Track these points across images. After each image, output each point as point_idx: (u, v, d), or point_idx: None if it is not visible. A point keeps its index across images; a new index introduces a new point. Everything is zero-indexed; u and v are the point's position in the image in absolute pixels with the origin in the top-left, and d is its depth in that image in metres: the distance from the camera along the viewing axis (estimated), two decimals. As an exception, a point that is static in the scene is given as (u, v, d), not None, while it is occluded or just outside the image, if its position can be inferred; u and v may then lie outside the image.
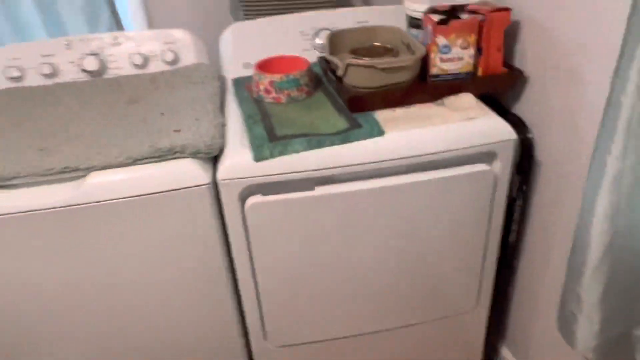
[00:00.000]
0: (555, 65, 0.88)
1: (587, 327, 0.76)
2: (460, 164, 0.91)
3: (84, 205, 0.79)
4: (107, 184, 0.80)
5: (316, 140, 0.85)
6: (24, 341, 0.94)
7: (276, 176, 0.84)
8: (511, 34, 0.99)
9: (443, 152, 0.87)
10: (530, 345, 1.15)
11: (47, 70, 1.12)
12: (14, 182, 0.80)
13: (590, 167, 0.69)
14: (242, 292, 0.98)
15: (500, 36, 0.94)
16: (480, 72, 0.97)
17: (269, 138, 0.87)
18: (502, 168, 0.92)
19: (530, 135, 0.95)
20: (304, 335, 1.04)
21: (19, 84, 1.12)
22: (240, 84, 1.11)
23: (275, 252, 0.92)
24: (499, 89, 1.02)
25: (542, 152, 0.96)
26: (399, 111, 0.94)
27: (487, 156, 0.91)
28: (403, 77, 0.93)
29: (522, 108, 1.00)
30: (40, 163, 0.80)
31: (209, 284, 0.94)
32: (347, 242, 0.93)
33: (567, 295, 0.79)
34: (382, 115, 0.92)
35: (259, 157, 0.84)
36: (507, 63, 0.99)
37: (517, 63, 1.00)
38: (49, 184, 0.81)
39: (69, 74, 1.13)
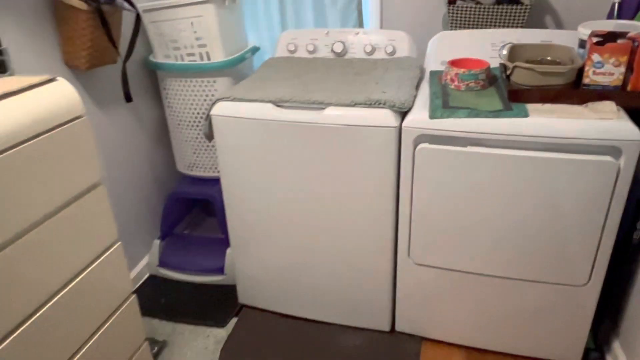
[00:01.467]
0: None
1: None
2: (590, 153, 1.16)
3: (322, 124, 1.31)
4: (336, 115, 1.30)
5: (475, 112, 1.22)
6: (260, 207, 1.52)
7: (442, 131, 1.23)
8: (668, 61, 1.18)
9: (572, 138, 1.14)
10: (636, 341, 1.30)
11: (310, 48, 1.71)
12: (286, 104, 1.36)
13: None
14: (400, 216, 1.39)
15: (653, 61, 1.16)
16: (629, 88, 1.20)
17: (442, 106, 1.26)
18: (626, 164, 1.14)
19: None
20: (437, 260, 1.40)
21: (294, 55, 1.73)
22: (435, 74, 1.53)
23: (431, 190, 1.31)
24: (646, 104, 1.22)
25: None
26: (548, 106, 1.23)
27: (614, 151, 1.14)
28: (557, 81, 1.23)
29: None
30: (303, 97, 1.35)
31: (380, 204, 1.38)
32: (487, 196, 1.26)
33: None
34: (532, 107, 1.23)
35: (432, 116, 1.24)
36: (659, 84, 1.19)
37: (669, 86, 1.18)
38: (305, 109, 1.35)
39: (323, 52, 1.71)
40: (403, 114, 1.31)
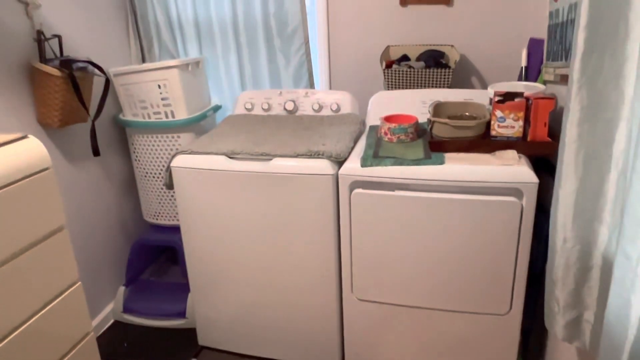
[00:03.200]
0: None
1: (557, 314, 1.12)
2: (497, 194, 1.34)
3: (269, 173, 1.48)
4: (281, 165, 1.47)
5: (399, 161, 1.40)
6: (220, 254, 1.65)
7: (372, 177, 1.41)
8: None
9: (481, 181, 1.33)
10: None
11: (265, 106, 1.91)
12: (238, 156, 1.53)
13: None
14: (342, 255, 1.54)
15: (545, 115, 1.37)
16: (529, 138, 1.40)
17: (373, 156, 1.45)
18: (527, 203, 1.32)
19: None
20: (377, 295, 1.54)
21: (251, 112, 1.92)
22: (373, 129, 1.73)
23: (366, 230, 1.47)
24: (545, 152, 1.42)
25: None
26: (462, 154, 1.42)
27: (517, 193, 1.33)
28: (468, 133, 1.43)
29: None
30: (252, 149, 1.53)
31: (324, 244, 1.53)
32: (413, 234, 1.43)
33: (549, 297, 1.15)
34: (449, 155, 1.42)
35: (363, 165, 1.42)
36: (555, 134, 1.40)
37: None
38: (254, 160, 1.52)
39: (277, 110, 1.90)
40: (340, 164, 1.48)
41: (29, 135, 1.14)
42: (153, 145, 1.93)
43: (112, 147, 2.03)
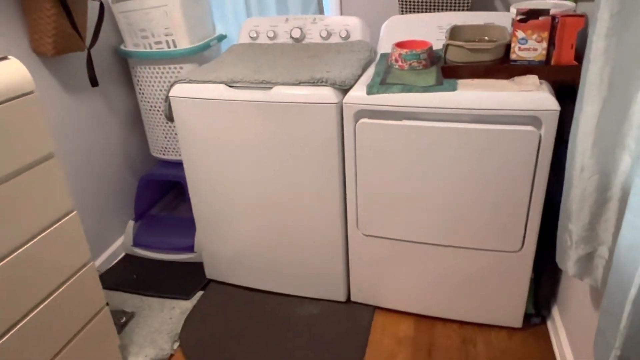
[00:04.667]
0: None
1: (569, 249, 1.04)
2: (514, 123, 1.23)
3: (269, 102, 1.40)
4: (282, 93, 1.39)
5: (408, 87, 1.30)
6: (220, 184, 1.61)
7: (378, 106, 1.31)
8: (588, 36, 1.25)
9: (495, 109, 1.22)
10: (570, 305, 1.37)
11: (271, 34, 1.79)
12: (237, 84, 1.45)
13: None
14: (347, 189, 1.47)
15: (573, 36, 1.23)
16: (553, 62, 1.27)
17: (380, 83, 1.34)
18: (547, 133, 1.21)
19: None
20: (383, 231, 1.48)
21: (255, 41, 1.82)
22: (384, 56, 1.61)
23: (372, 163, 1.39)
24: (570, 77, 1.29)
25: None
26: (477, 81, 1.31)
27: (535, 121, 1.22)
28: (485, 57, 1.30)
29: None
30: (252, 77, 1.44)
31: (328, 178, 1.46)
32: (422, 166, 1.34)
33: (562, 230, 1.07)
34: (463, 82, 1.31)
35: (369, 92, 1.32)
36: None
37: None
38: (253, 89, 1.44)
39: (283, 38, 1.79)
40: (345, 92, 1.39)
41: (9, 57, 1.08)
42: (156, 77, 1.86)
43: (115, 80, 1.96)
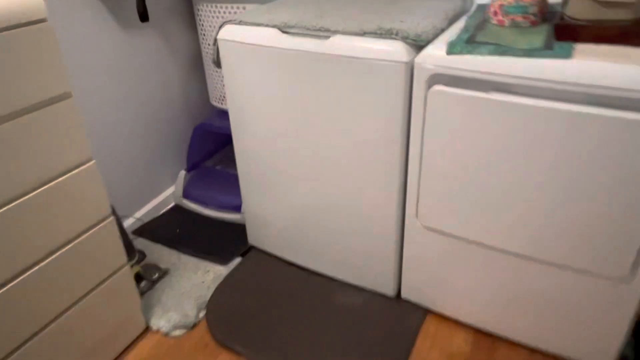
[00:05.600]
0: None
1: None
2: (649, 112, 0.88)
3: (325, 54, 1.15)
4: (341, 44, 1.13)
5: (502, 49, 0.98)
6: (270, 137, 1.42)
7: (459, 71, 1.01)
8: None
9: (623, 89, 0.87)
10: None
11: (347, -27, 1.51)
12: (292, 30, 1.21)
13: None
14: (409, 169, 1.21)
15: None
16: None
17: (467, 41, 1.03)
18: (700, 130, 0.85)
19: None
20: (449, 226, 1.21)
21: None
22: (482, 8, 1.27)
23: (444, 142, 1.10)
24: None
25: None
26: (604, 47, 0.95)
27: (685, 112, 0.85)
28: (623, 15, 0.93)
29: None
30: (309, 22, 1.19)
31: (387, 150, 1.20)
32: (512, 155, 1.04)
33: None
34: (583, 47, 0.96)
35: (450, 51, 1.02)
36: None
37: None
38: (309, 37, 1.19)
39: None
40: (420, 49, 1.10)
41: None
42: (218, 17, 1.67)
43: (178, 19, 1.81)
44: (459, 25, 1.19)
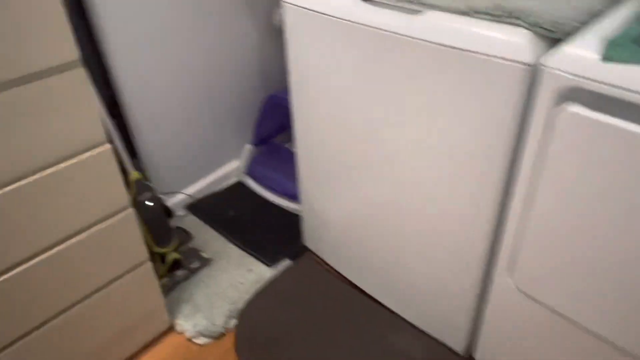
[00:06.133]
0: None
1: None
2: None
3: (411, 37, 0.81)
4: (436, 25, 0.78)
5: None
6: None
7: (619, 90, 0.63)
8: None
9: None
10: None
11: None
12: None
13: None
14: (510, 211, 0.85)
15: None
16: None
17: (636, 41, 0.63)
18: None
19: None
20: (556, 298, 0.85)
21: None
22: (671, -18, 0.82)
23: (572, 185, 0.74)
24: None
25: None
26: None
27: None
28: None
29: None
30: (399, -12, 0.85)
31: (480, 181, 0.86)
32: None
33: None
34: None
35: (608, 55, 0.63)
36: None
37: None
38: (396, 10, 0.85)
39: None
40: (554, 43, 0.72)
41: None
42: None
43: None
44: (621, 14, 0.77)
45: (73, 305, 1.00)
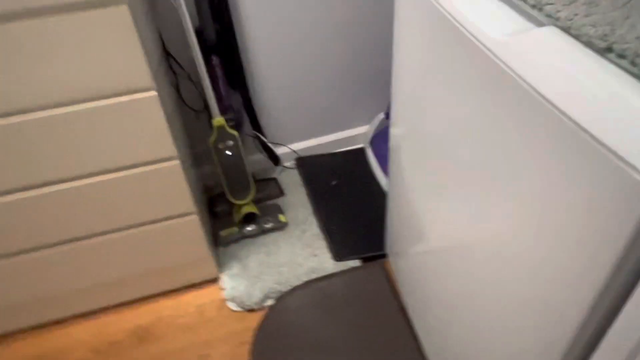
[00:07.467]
0: None
1: None
2: None
3: (498, 63, 0.49)
4: (538, 49, 0.44)
5: None
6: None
7: None
8: None
9: None
10: None
11: None
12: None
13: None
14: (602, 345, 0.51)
15: None
16: None
17: None
18: None
19: None
20: None
21: None
22: None
23: None
24: None
25: None
26: None
27: None
28: None
29: None
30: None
31: (560, 300, 0.53)
32: None
33: None
34: None
35: None
36: None
37: None
38: (518, 12, 0.52)
39: None
40: None
41: None
42: None
43: None
44: None
45: (115, 230, 1.03)
